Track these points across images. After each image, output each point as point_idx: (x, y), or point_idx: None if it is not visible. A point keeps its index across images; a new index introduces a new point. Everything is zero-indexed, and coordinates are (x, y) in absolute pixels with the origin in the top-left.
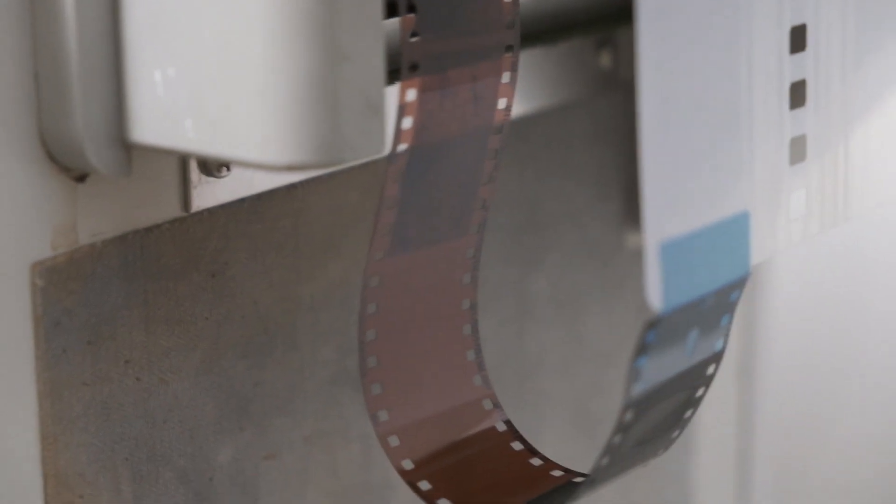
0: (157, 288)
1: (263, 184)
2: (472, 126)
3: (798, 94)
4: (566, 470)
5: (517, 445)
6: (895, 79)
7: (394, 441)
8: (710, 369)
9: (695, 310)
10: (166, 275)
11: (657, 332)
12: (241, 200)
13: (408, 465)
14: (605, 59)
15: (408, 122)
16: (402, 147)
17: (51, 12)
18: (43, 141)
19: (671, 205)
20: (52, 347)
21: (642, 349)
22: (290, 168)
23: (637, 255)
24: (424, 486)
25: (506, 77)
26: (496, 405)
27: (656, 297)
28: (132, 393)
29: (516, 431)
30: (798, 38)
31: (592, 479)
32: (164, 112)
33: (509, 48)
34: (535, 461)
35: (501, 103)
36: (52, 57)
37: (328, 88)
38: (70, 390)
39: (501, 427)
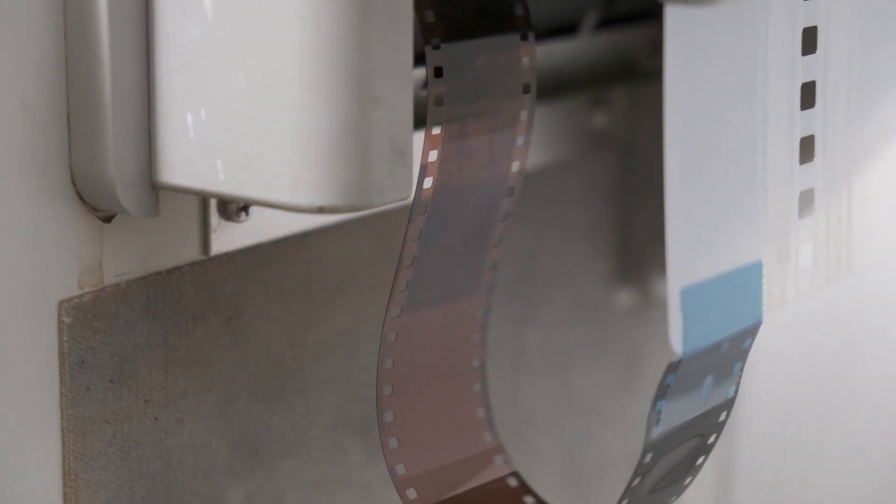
0: (176, 329)
1: (279, 230)
2: (487, 187)
3: (807, 148)
4: None
5: (529, 500)
6: (894, 140)
7: (412, 494)
8: (723, 416)
9: (711, 355)
10: (186, 317)
11: (677, 375)
12: (258, 246)
13: None
14: (600, 119)
15: (428, 182)
16: (422, 205)
17: (84, 55)
18: (73, 181)
19: (692, 252)
20: (77, 385)
21: (662, 392)
22: (321, 211)
23: (626, 313)
24: None
25: (520, 140)
26: (507, 461)
27: (677, 340)
28: (150, 433)
29: (527, 486)
30: (808, 95)
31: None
32: (194, 154)
33: (525, 112)
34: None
35: (515, 166)
36: (84, 99)
37: (359, 133)
38: (92, 428)
39: (513, 483)
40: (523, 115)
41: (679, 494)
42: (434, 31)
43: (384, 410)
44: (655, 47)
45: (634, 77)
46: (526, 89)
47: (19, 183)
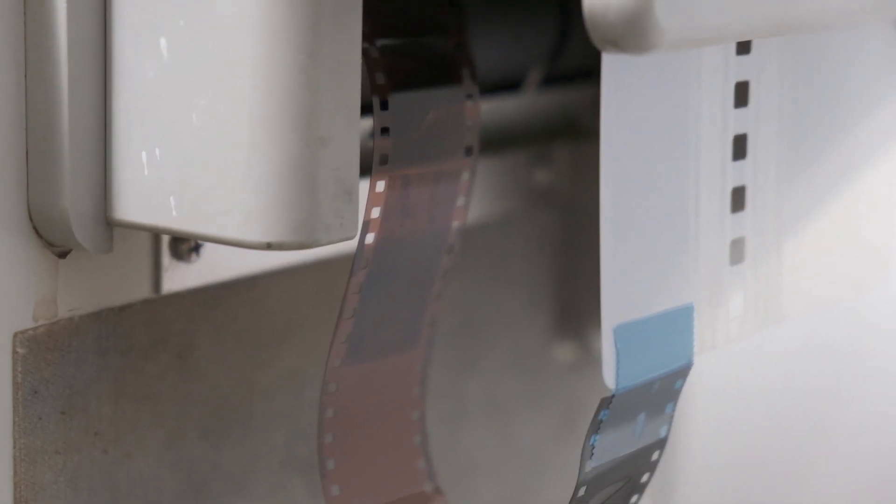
0: (127, 365)
1: (228, 272)
2: (427, 244)
3: (738, 198)
4: None
5: None
6: (824, 193)
7: None
8: (655, 455)
9: (643, 393)
10: (136, 353)
11: (610, 411)
12: (208, 287)
13: None
14: (542, 175)
15: (370, 238)
16: (364, 259)
17: (44, 93)
18: (31, 216)
19: (624, 292)
20: (29, 415)
21: (596, 427)
22: (269, 247)
23: (566, 366)
24: None
25: (461, 200)
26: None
27: (610, 376)
28: (99, 464)
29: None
30: (740, 146)
31: None
32: (148, 191)
33: (466, 173)
34: None
35: (455, 225)
36: (42, 136)
37: (306, 171)
38: (43, 458)
39: None
40: (465, 176)
41: None
42: (383, 89)
43: (326, 458)
44: (597, 106)
45: (576, 135)
46: (468, 151)
47: None
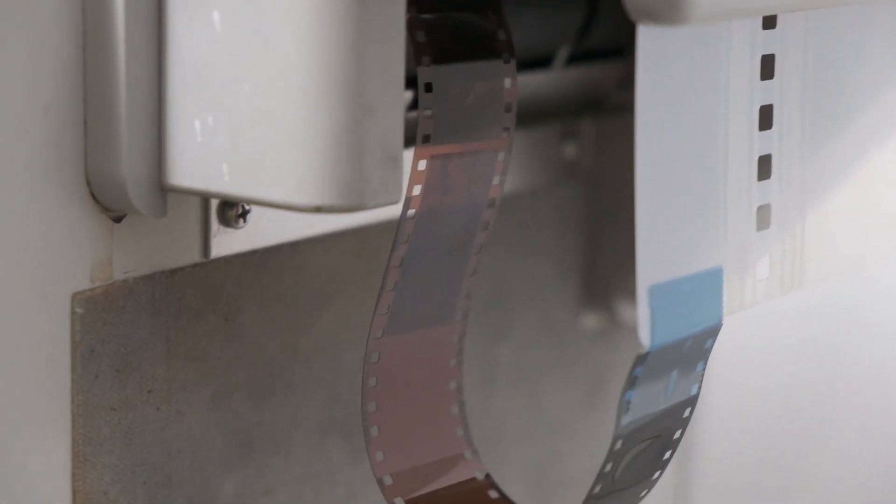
0: (178, 325)
1: (273, 238)
2: (464, 221)
3: (765, 167)
4: None
5: (493, 493)
6: (845, 163)
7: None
8: (686, 412)
9: (676, 351)
10: (187, 314)
11: (644, 367)
12: (253, 252)
13: None
14: (569, 150)
15: (411, 213)
16: (405, 234)
17: (102, 66)
18: (88, 183)
19: (659, 254)
20: (87, 373)
21: (631, 383)
22: (319, 210)
23: (591, 335)
24: None
25: (496, 179)
26: (480, 469)
27: (645, 334)
28: (152, 421)
29: (494, 482)
30: (766, 117)
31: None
32: (201, 157)
33: (503, 153)
34: None
35: (491, 202)
36: (100, 106)
37: (354, 139)
38: (99, 414)
39: (481, 476)
40: (501, 156)
41: (649, 489)
42: (424, 50)
43: (370, 425)
44: (624, 83)
45: (603, 111)
46: (506, 130)
47: (39, 184)
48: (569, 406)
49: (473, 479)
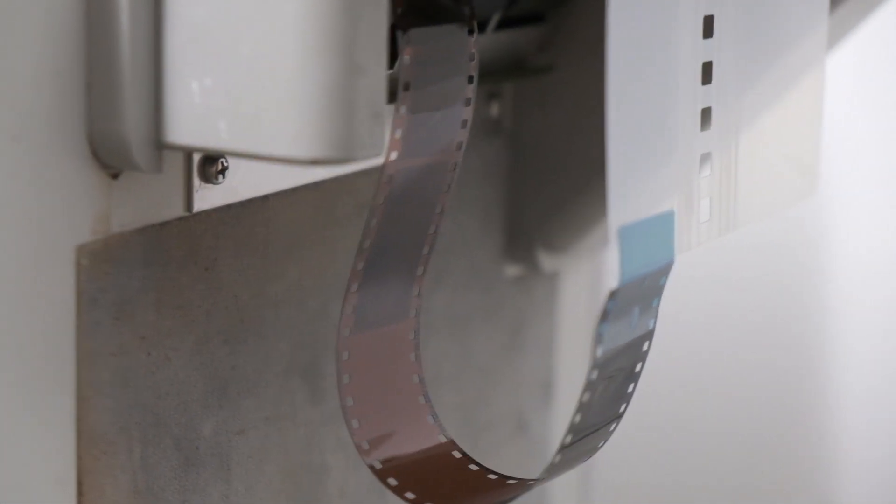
0: (165, 276)
1: (246, 192)
2: (433, 171)
3: (706, 118)
4: (498, 474)
5: (457, 454)
6: (764, 113)
7: (377, 465)
8: (646, 346)
9: (637, 288)
10: (173, 265)
11: (615, 301)
12: (228, 206)
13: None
14: (494, 109)
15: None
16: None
17: (104, 29)
18: (90, 141)
19: (625, 198)
20: (90, 321)
21: (604, 316)
22: (314, 162)
23: (513, 283)
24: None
25: (461, 135)
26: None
27: (615, 271)
28: (144, 366)
29: (456, 444)
30: (707, 73)
31: (570, 435)
32: (199, 116)
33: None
34: (473, 467)
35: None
36: (102, 68)
37: (347, 96)
38: (100, 359)
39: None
40: (466, 111)
41: (618, 420)
42: (402, 20)
43: (350, 418)
44: (543, 47)
45: (524, 73)
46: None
47: (45, 142)
48: (493, 350)
49: (438, 443)
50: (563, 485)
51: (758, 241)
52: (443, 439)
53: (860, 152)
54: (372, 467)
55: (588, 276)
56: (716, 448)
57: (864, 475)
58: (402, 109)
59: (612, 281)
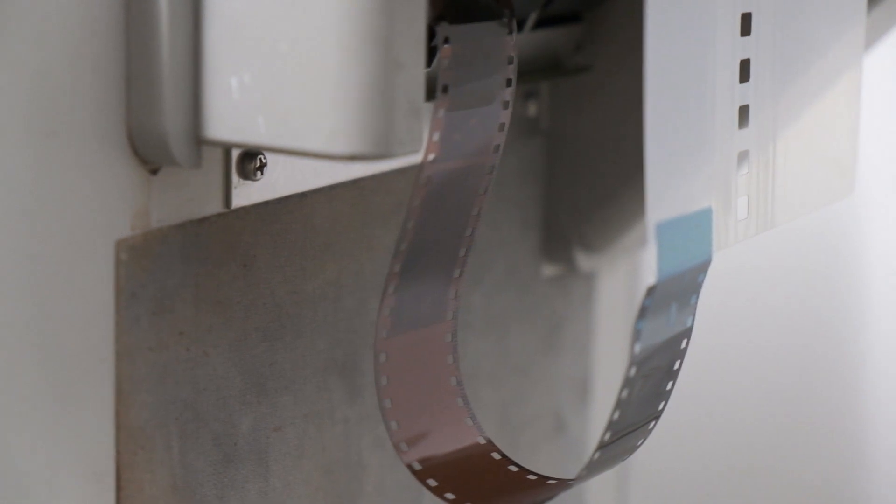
0: (204, 272)
1: (284, 189)
2: (470, 174)
3: (744, 116)
4: (538, 475)
5: (496, 455)
6: (809, 112)
7: (416, 466)
8: (684, 343)
9: (675, 284)
10: (212, 261)
11: (652, 299)
12: (266, 203)
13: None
14: (532, 109)
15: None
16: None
17: (144, 26)
18: (130, 137)
19: (663, 195)
20: (129, 315)
21: (642, 313)
22: (352, 158)
23: (550, 283)
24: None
25: (499, 138)
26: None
27: (653, 267)
28: (183, 361)
29: (496, 445)
30: (745, 70)
31: (609, 432)
32: (238, 112)
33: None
34: (512, 468)
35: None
36: (142, 64)
37: (385, 92)
38: (139, 354)
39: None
40: (503, 114)
41: (656, 419)
42: (441, 9)
43: (389, 420)
44: (580, 46)
45: (561, 72)
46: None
47: (85, 138)
48: (530, 349)
49: (477, 444)
50: (601, 483)
51: (795, 239)
52: (482, 441)
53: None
54: (411, 468)
55: (625, 276)
56: (752, 446)
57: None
58: (440, 112)
59: (650, 277)
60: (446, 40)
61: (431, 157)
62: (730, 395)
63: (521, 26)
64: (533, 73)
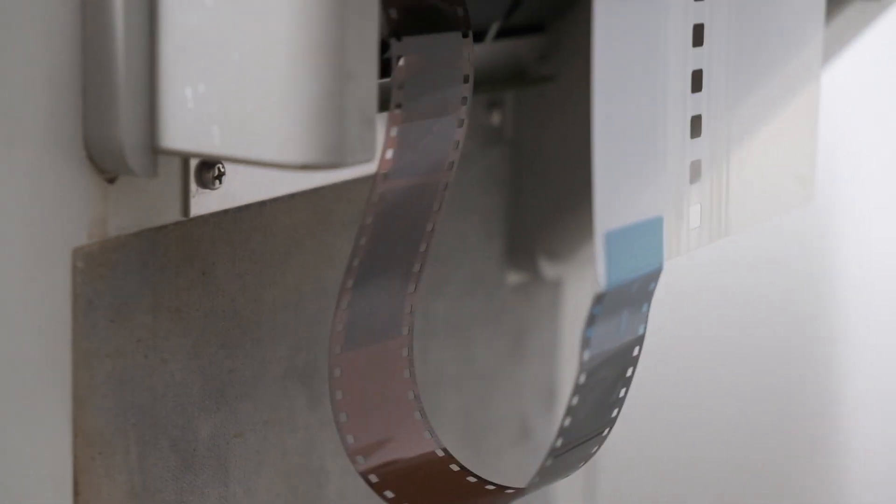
0: (162, 279)
1: (243, 198)
2: (423, 191)
3: (696, 126)
4: (496, 484)
5: (455, 467)
6: (763, 122)
7: (374, 478)
8: (636, 351)
9: (625, 293)
10: (169, 269)
11: (602, 306)
12: (225, 212)
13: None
14: (496, 118)
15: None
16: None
17: (99, 37)
18: (86, 146)
19: (612, 204)
20: (86, 323)
21: (591, 320)
22: (305, 168)
23: (515, 290)
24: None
25: (458, 130)
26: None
27: (602, 275)
28: (141, 368)
29: (453, 457)
30: (697, 80)
31: (561, 439)
32: (193, 121)
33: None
34: (471, 479)
35: (448, 164)
36: (98, 74)
37: (337, 103)
38: (96, 361)
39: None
40: (459, 130)
41: (610, 426)
42: (396, 25)
43: (345, 434)
44: (544, 56)
45: (525, 82)
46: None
47: (42, 147)
48: (496, 356)
49: (435, 456)
50: (569, 483)
51: (761, 246)
52: (440, 453)
53: (862, 156)
54: (368, 480)
55: (590, 283)
56: (721, 453)
57: (872, 477)
58: (394, 130)
59: (599, 285)
60: (399, 58)
61: (384, 174)
62: (701, 394)
63: (483, 36)
64: (497, 82)
